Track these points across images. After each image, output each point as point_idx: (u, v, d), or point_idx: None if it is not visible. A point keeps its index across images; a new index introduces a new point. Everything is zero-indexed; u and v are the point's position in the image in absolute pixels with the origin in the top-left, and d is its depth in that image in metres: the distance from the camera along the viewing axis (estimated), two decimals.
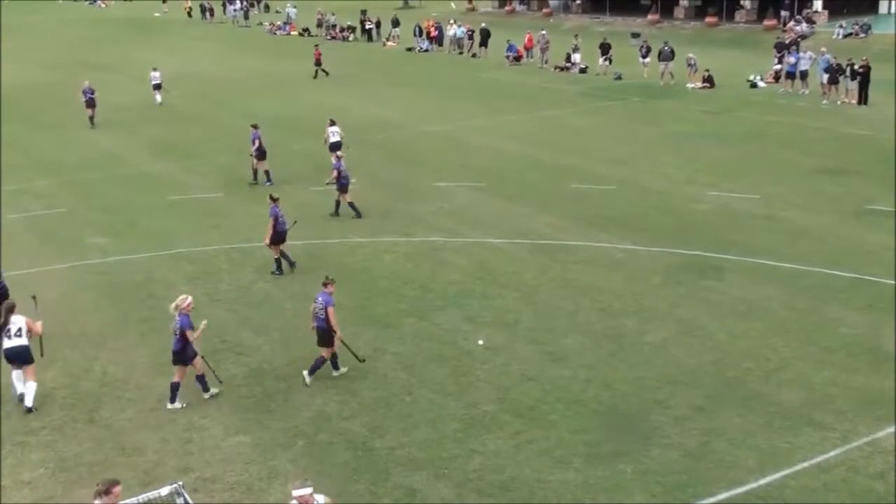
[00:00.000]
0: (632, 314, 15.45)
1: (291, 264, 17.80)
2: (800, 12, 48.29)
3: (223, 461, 11.53)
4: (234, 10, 69.39)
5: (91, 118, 32.08)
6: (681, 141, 28.02)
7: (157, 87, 36.43)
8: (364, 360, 13.75)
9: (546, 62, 43.69)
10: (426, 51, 51.18)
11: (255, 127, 23.97)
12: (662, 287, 16.60)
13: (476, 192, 23.00)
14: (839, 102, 32.68)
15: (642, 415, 12.28)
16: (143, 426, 12.42)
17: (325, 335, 13.22)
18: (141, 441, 12.04)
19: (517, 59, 45.10)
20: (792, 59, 35.68)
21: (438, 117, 32.61)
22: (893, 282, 16.26)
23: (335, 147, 24.14)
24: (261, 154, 23.82)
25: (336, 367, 13.55)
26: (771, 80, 37.36)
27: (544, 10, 61.33)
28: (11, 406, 13.04)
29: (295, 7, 64.04)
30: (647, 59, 39.62)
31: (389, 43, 54.24)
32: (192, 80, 41.98)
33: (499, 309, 15.80)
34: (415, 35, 52.15)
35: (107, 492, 8.42)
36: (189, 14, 73.14)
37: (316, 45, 44.56)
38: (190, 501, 9.03)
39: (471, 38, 49.37)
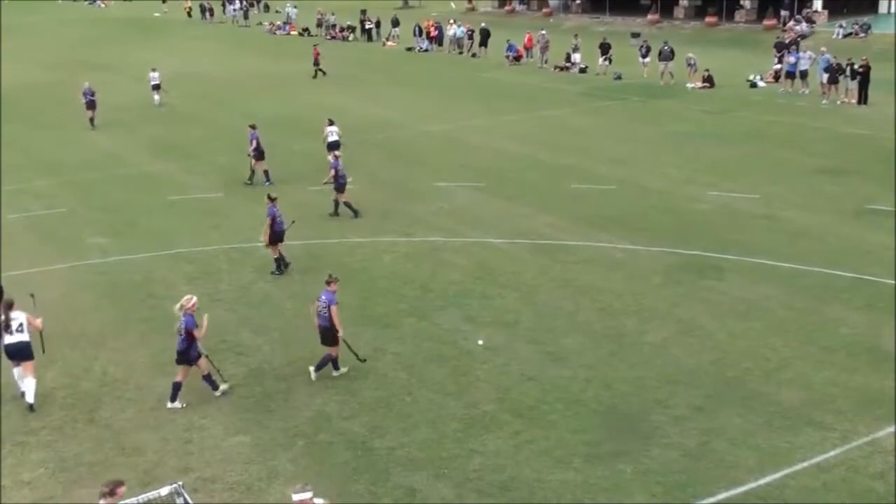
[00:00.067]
0: (632, 314, 15.45)
1: (286, 265, 17.80)
2: (799, 12, 48.29)
3: (223, 461, 11.53)
4: (234, 10, 69.39)
5: (91, 119, 32.05)
6: (681, 141, 28.02)
7: (156, 87, 36.42)
8: (365, 360, 13.75)
9: (546, 62, 43.69)
10: (426, 51, 51.18)
11: (252, 127, 23.99)
12: (662, 287, 16.60)
13: (476, 191, 23.00)
14: (839, 102, 32.68)
15: (642, 415, 12.28)
16: (143, 426, 12.42)
17: (329, 334, 13.26)
18: (141, 441, 12.04)
19: (517, 58, 45.10)
20: (792, 59, 35.68)
21: (438, 117, 32.61)
22: (893, 281, 16.26)
23: (333, 146, 24.18)
24: (259, 154, 23.84)
25: (336, 367, 13.57)
26: (771, 79, 37.36)
27: (544, 10, 61.32)
28: (11, 406, 13.05)
29: (296, 7, 64.05)
30: (647, 59, 39.61)
31: (389, 43, 54.24)
32: (191, 80, 41.98)
33: (499, 309, 15.80)
34: (414, 35, 52.14)
35: (111, 493, 8.53)
36: (189, 14, 73.13)
37: (315, 45, 44.53)
38: (190, 501, 9.03)
39: (471, 37, 49.36)
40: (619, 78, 39.38)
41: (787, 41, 40.68)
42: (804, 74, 34.85)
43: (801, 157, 25.49)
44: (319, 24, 59.92)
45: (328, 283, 13.43)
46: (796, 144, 27.09)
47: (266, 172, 23.95)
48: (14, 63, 47.49)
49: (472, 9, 66.34)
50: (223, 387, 13.11)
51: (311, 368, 13.41)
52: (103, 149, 29.34)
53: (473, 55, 48.40)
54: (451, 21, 52.85)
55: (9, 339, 12.94)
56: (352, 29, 57.86)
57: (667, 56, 37.82)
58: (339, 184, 20.84)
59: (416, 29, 52.21)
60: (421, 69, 45.10)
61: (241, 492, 10.93)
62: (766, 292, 16.16)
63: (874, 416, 12.03)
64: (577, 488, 10.77)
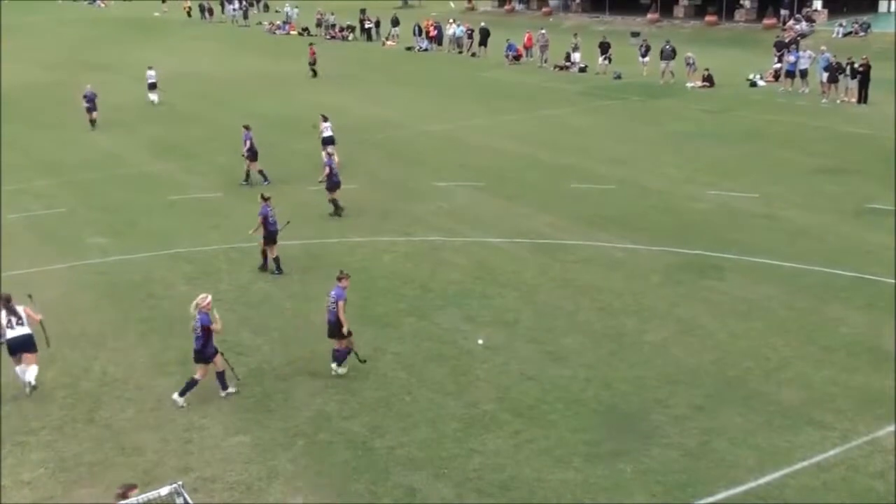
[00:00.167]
0: (631, 313, 15.44)
1: (263, 267, 17.81)
2: (799, 11, 48.30)
3: (223, 461, 11.53)
4: (234, 10, 69.40)
5: (92, 121, 31.96)
6: (680, 140, 28.02)
7: (153, 86, 36.48)
8: (364, 361, 13.75)
9: (545, 61, 43.68)
10: (425, 50, 51.17)
11: (246, 128, 24.01)
12: (662, 286, 16.60)
13: (475, 191, 23.00)
14: (839, 101, 32.67)
15: (642, 414, 12.28)
16: (142, 426, 12.42)
17: (335, 328, 13.32)
18: (141, 441, 12.04)
19: (516, 58, 45.09)
20: (792, 58, 35.68)
21: (438, 117, 32.61)
22: (893, 281, 16.26)
23: (328, 142, 24.27)
24: (252, 155, 23.86)
25: (340, 362, 13.57)
26: (770, 78, 37.35)
27: (544, 10, 61.32)
28: (11, 406, 13.05)
29: (297, 7, 64.07)
30: (647, 59, 39.60)
31: (389, 42, 54.24)
32: (191, 80, 41.98)
33: (498, 308, 15.80)
34: (414, 34, 52.15)
35: (123, 495, 8.72)
36: (188, 14, 73.13)
37: (311, 45, 44.53)
38: (190, 501, 9.02)
39: (470, 37, 49.36)
40: (618, 77, 39.38)
41: (786, 40, 40.69)
42: (804, 73, 34.84)
43: (801, 157, 25.48)
44: (319, 24, 59.93)
45: (339, 278, 13.50)
46: (796, 144, 27.08)
47: (261, 172, 23.95)
48: (14, 63, 47.49)
49: (472, 8, 66.33)
50: (231, 389, 13.12)
51: (333, 365, 13.49)
52: (103, 149, 29.34)
53: (473, 55, 48.40)
54: (451, 20, 52.86)
55: (11, 333, 13.08)
56: (351, 28, 57.87)
57: (668, 55, 37.79)
58: (332, 182, 20.86)
59: (416, 28, 52.22)
60: (420, 69, 45.09)
61: (241, 491, 10.93)
62: (767, 292, 16.15)
63: (874, 416, 12.03)
64: (577, 488, 10.77)
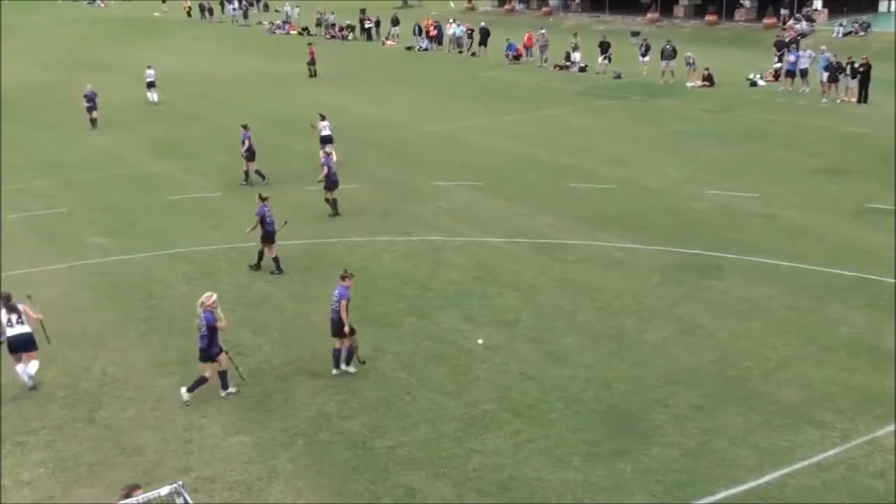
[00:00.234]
0: (631, 313, 15.44)
1: (256, 266, 17.81)
2: (799, 10, 48.30)
3: (223, 461, 11.53)
4: (234, 10, 69.43)
5: (93, 121, 31.93)
6: (680, 140, 28.02)
7: (151, 84, 36.54)
8: (364, 363, 13.75)
9: (545, 61, 43.69)
10: (425, 50, 51.18)
11: (245, 127, 24.01)
12: (662, 286, 16.60)
13: (475, 191, 23.00)
14: (839, 101, 32.67)
15: (642, 414, 12.28)
16: (142, 426, 12.42)
17: (338, 327, 13.35)
18: (141, 441, 12.04)
19: (516, 57, 45.10)
20: (792, 58, 35.67)
21: (438, 116, 32.61)
22: (893, 280, 16.26)
23: (326, 140, 24.32)
24: (250, 154, 23.85)
25: (337, 365, 13.58)
26: (771, 78, 37.35)
27: (544, 9, 61.33)
28: (11, 406, 13.06)
29: (297, 7, 64.09)
30: (647, 58, 39.60)
31: (389, 42, 54.25)
32: (191, 80, 42.01)
33: (498, 308, 15.80)
34: (414, 34, 52.17)
35: (128, 496, 8.77)
36: (188, 13, 73.17)
37: (309, 44, 44.53)
38: (190, 501, 9.02)
39: (470, 36, 49.36)
40: (618, 77, 39.38)
41: (787, 40, 40.68)
42: (804, 73, 34.84)
43: (800, 157, 25.48)
44: (319, 24, 59.94)
45: (342, 277, 13.51)
46: (796, 143, 27.08)
47: (258, 172, 23.96)
48: (14, 63, 47.52)
49: (472, 8, 66.35)
50: (231, 389, 13.12)
51: (343, 366, 13.56)
52: (103, 149, 29.35)
53: (473, 54, 48.40)
54: (451, 20, 52.88)
55: (11, 332, 13.18)
56: (351, 28, 57.89)
57: (669, 55, 37.76)
58: (330, 181, 20.86)
59: (416, 28, 52.24)
60: (420, 68, 45.09)
61: (241, 491, 10.93)
62: (766, 291, 16.15)
63: (874, 415, 12.03)
64: (577, 487, 10.77)
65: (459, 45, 50.09)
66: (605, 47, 40.86)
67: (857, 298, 15.76)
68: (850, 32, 44.87)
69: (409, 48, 51.55)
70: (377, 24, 57.21)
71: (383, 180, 24.31)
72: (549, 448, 11.53)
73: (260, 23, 65.45)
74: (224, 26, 67.30)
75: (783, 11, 48.73)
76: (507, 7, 64.25)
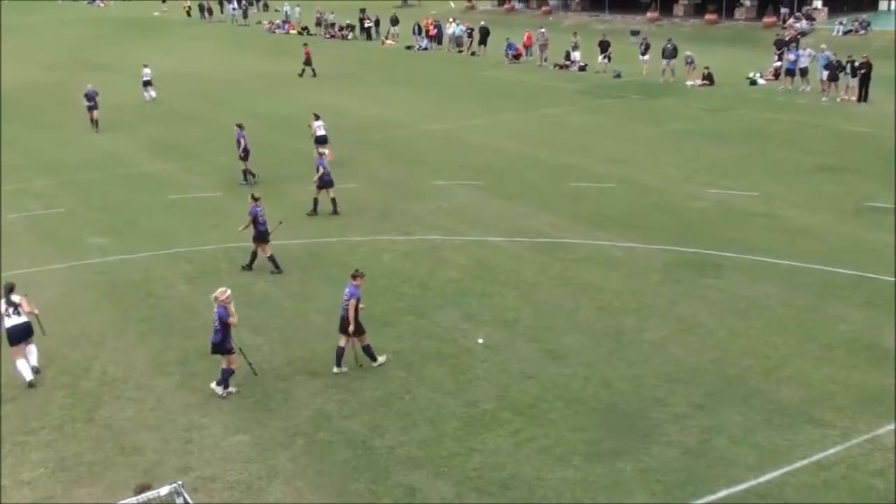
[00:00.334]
0: (631, 312, 15.44)
1: (248, 267, 17.82)
2: (799, 9, 48.30)
3: (223, 460, 11.54)
4: (233, 9, 69.43)
5: (96, 122, 31.84)
6: (680, 139, 28.02)
7: (147, 83, 36.60)
8: (361, 365, 13.74)
9: (545, 60, 43.68)
10: (425, 49, 51.18)
11: (240, 127, 24.00)
12: (661, 285, 16.60)
13: (475, 190, 23.00)
14: (839, 100, 32.66)
15: (642, 413, 12.28)
16: (142, 426, 12.43)
17: (347, 324, 13.38)
18: (141, 440, 12.04)
19: (516, 57, 45.09)
20: (792, 57, 35.68)
21: (437, 116, 32.61)
22: (893, 279, 16.26)
23: (321, 140, 24.37)
24: (244, 154, 23.84)
25: (339, 363, 13.58)
26: (771, 77, 37.35)
27: (543, 8, 61.33)
28: (11, 406, 13.06)
29: (298, 6, 64.12)
30: (647, 57, 39.58)
31: (388, 41, 54.25)
32: (191, 80, 42.03)
33: (498, 307, 15.80)
34: (414, 33, 52.18)
35: (141, 493, 8.87)
36: (188, 13, 73.18)
37: (305, 45, 44.52)
38: (190, 501, 9.03)
39: (470, 36, 49.35)
40: (618, 76, 39.37)
41: (786, 38, 40.68)
42: (804, 72, 34.83)
43: (800, 155, 25.47)
44: (319, 23, 59.95)
45: (353, 277, 13.54)
46: (796, 142, 27.07)
47: (249, 171, 23.98)
48: (14, 63, 47.53)
49: (472, 7, 66.35)
50: (231, 389, 13.12)
51: (373, 363, 13.65)
52: (103, 149, 29.35)
53: (473, 53, 48.40)
54: (451, 19, 52.88)
55: (9, 322, 13.44)
56: (351, 27, 57.90)
57: (670, 54, 37.73)
58: (324, 181, 20.86)
59: (416, 27, 52.26)
60: (420, 68, 45.09)
61: (241, 491, 10.94)
62: (766, 290, 16.15)
63: (874, 414, 12.03)
64: (576, 486, 10.77)
65: (459, 45, 50.09)
66: (604, 46, 40.86)
67: (856, 297, 15.77)
68: (850, 31, 44.85)
69: (408, 47, 51.55)
70: (377, 23, 57.21)
71: (383, 180, 24.31)
72: (548, 447, 11.54)
73: (259, 22, 65.45)
74: (224, 26, 67.30)
75: (783, 10, 48.72)
76: (506, 6, 64.25)
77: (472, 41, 48.99)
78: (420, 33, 51.92)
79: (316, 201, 21.14)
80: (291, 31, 60.76)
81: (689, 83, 36.89)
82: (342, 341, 13.56)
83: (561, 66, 42.60)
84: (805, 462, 11.06)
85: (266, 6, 76.47)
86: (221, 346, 12.87)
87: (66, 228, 21.14)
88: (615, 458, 11.25)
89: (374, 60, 48.06)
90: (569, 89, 37.43)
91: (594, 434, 11.81)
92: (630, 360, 13.75)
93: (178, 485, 9.07)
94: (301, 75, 42.24)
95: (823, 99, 32.97)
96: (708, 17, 51.99)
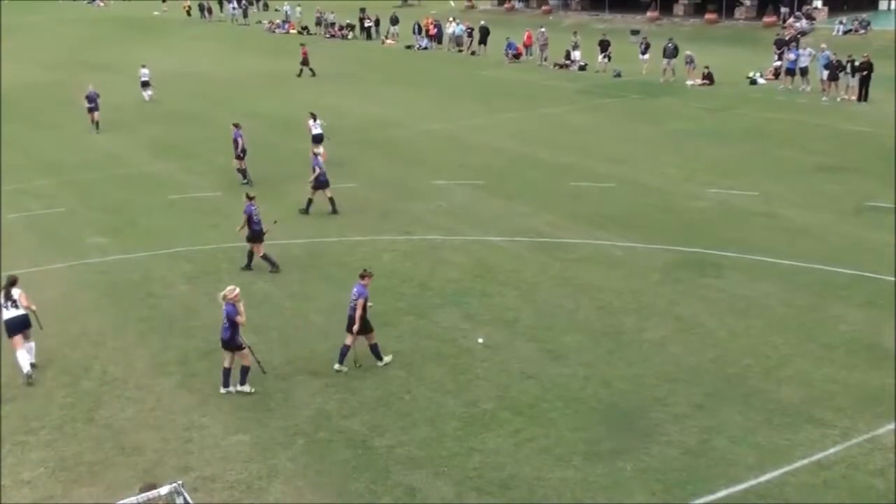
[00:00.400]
0: (631, 312, 15.44)
1: (247, 267, 17.82)
2: (799, 9, 48.30)
3: (223, 460, 11.53)
4: (233, 9, 69.45)
5: (96, 123, 31.79)
6: (680, 138, 28.01)
7: (146, 84, 36.63)
8: (360, 366, 13.74)
9: (545, 60, 43.69)
10: (425, 49, 51.18)
11: (236, 126, 23.99)
12: (661, 285, 16.59)
13: (475, 190, 22.99)
14: (839, 99, 32.66)
15: (642, 412, 12.28)
16: (142, 425, 12.42)
17: (364, 323, 13.41)
18: (141, 440, 12.04)
19: (516, 56, 45.10)
20: (792, 56, 35.68)
21: (437, 115, 32.61)
22: (893, 278, 16.26)
23: (317, 139, 24.43)
24: (243, 153, 23.82)
25: (342, 360, 13.60)
26: (771, 76, 37.35)
27: (543, 8, 61.34)
28: (11, 406, 13.06)
29: (299, 6, 64.15)
30: (647, 56, 39.58)
31: (388, 41, 54.26)
32: (191, 80, 42.03)
33: (498, 307, 15.80)
34: (414, 33, 52.19)
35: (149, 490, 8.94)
36: (188, 13, 73.19)
37: (302, 44, 44.50)
38: (190, 500, 9.03)
39: (470, 35, 49.36)
40: (618, 75, 39.37)
41: (786, 38, 40.69)
42: (804, 71, 34.83)
43: (800, 155, 25.47)
44: (319, 23, 59.96)
45: (361, 276, 13.55)
46: (796, 142, 27.07)
47: (240, 170, 23.96)
48: (14, 63, 47.52)
49: (472, 6, 66.35)
50: (231, 388, 13.13)
51: (381, 361, 13.66)
52: (103, 149, 29.34)
53: (473, 53, 48.40)
54: (451, 19, 52.89)
55: (7, 315, 13.67)
56: (351, 27, 57.91)
57: (671, 53, 37.72)
58: (319, 182, 20.86)
59: (416, 27, 52.27)
60: (420, 67, 45.09)
61: (242, 490, 10.94)
62: (766, 290, 16.15)
63: (874, 413, 12.02)
64: (576, 486, 10.77)
65: (459, 44, 50.09)
66: (604, 46, 40.85)
67: (856, 296, 15.76)
68: (850, 30, 44.85)
69: (408, 47, 51.55)
70: (377, 23, 57.23)
71: (383, 179, 24.30)
72: (548, 447, 11.53)
73: (259, 22, 65.45)
74: (224, 25, 67.31)
75: (783, 9, 48.72)
76: (506, 6, 64.24)
77: (472, 41, 49.00)
78: (420, 33, 51.93)
79: (310, 201, 21.13)
80: (291, 31, 60.77)
81: (689, 83, 36.89)
82: (348, 339, 13.57)
83: (561, 66, 42.60)
84: (805, 462, 11.06)
85: (266, 6, 76.48)
86: (232, 342, 12.91)
87: (66, 228, 21.14)
88: (615, 458, 11.25)
89: (374, 60, 48.06)
90: (569, 89, 37.43)
91: (594, 434, 11.81)
92: (630, 360, 13.75)
93: (179, 484, 9.07)
94: (300, 75, 42.23)
95: (823, 98, 32.97)
96: (708, 16, 52.00)
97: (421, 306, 15.94)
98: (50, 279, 17.53)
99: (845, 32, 44.70)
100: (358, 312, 13.29)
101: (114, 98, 35.80)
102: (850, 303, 15.53)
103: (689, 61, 37.15)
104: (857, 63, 32.38)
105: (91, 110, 31.78)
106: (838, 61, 33.09)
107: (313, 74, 42.23)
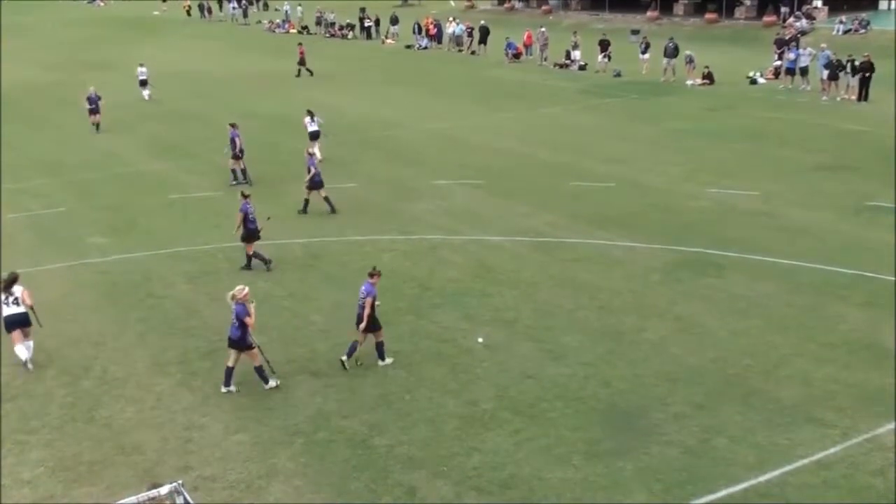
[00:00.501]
0: (631, 312, 15.44)
1: (247, 266, 17.82)
2: (799, 8, 48.28)
3: (223, 459, 11.53)
4: (233, 9, 69.46)
5: (97, 125, 31.74)
6: (680, 138, 28.01)
7: (144, 83, 36.66)
8: (361, 364, 13.74)
9: (545, 59, 43.70)
10: (425, 48, 51.18)
11: (233, 126, 23.98)
12: (661, 284, 16.59)
13: (475, 190, 22.99)
14: (839, 99, 32.66)
15: (641, 412, 12.28)
16: (142, 425, 12.42)
17: (372, 321, 13.42)
18: (141, 440, 12.04)
19: (516, 56, 45.10)
20: (792, 56, 35.69)
21: (437, 115, 32.61)
22: (893, 278, 16.25)
23: (313, 136, 24.46)
24: (240, 153, 23.82)
25: (350, 354, 13.64)
26: (771, 76, 37.36)
27: (543, 8, 61.31)
28: (11, 405, 13.06)
29: (300, 5, 64.17)
30: (647, 56, 39.57)
31: (388, 41, 54.25)
32: (191, 79, 42.02)
33: (497, 307, 15.80)
34: (414, 33, 52.19)
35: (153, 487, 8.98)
36: (188, 12, 73.19)
37: (299, 44, 44.53)
38: (190, 500, 9.02)
39: (470, 35, 49.36)
40: (618, 75, 39.37)
41: (786, 38, 40.68)
42: (804, 71, 34.83)
43: (800, 154, 25.47)
44: (319, 22, 59.97)
45: (370, 275, 13.59)
46: (796, 141, 27.07)
47: (234, 171, 24.01)
48: (14, 63, 47.49)
49: (472, 6, 66.33)
50: (272, 382, 13.16)
51: (381, 361, 13.69)
52: (103, 148, 29.34)
53: (473, 53, 48.41)
54: (451, 19, 52.89)
55: (7, 311, 13.82)
56: (351, 27, 57.92)
57: (671, 53, 37.71)
58: (314, 182, 20.86)
59: (416, 27, 52.27)
60: (420, 67, 45.09)
61: (241, 490, 10.93)
62: (766, 289, 16.15)
63: (874, 413, 12.02)
64: (576, 486, 10.77)
65: (459, 44, 50.09)
66: (604, 45, 40.84)
67: (856, 296, 15.76)
68: (850, 30, 44.83)
69: (408, 47, 51.55)
70: (377, 22, 57.24)
71: (383, 179, 24.30)
72: (548, 446, 11.53)
73: (259, 22, 65.44)
74: (223, 25, 67.31)
75: (783, 9, 48.71)
76: (506, 5, 64.22)
77: (472, 40, 49.00)
78: (420, 32, 51.93)
79: (306, 201, 21.14)
80: (291, 31, 60.76)
81: (689, 82, 36.90)
82: (359, 336, 13.59)
83: (561, 66, 42.60)
84: (805, 461, 11.05)
85: (266, 5, 76.48)
86: (242, 341, 12.90)
87: (66, 228, 21.14)
88: (615, 458, 11.24)
89: (373, 60, 48.06)
90: (569, 88, 37.42)
91: (594, 433, 11.81)
92: (630, 360, 13.75)
93: (179, 484, 9.07)
94: (298, 75, 42.22)
95: (823, 98, 32.97)
96: (708, 16, 51.99)
97: (421, 306, 15.94)
98: (50, 279, 17.52)
99: (845, 32, 44.68)
100: (366, 311, 13.31)
101: (113, 97, 35.73)
102: (850, 303, 15.52)
103: (690, 61, 37.15)
104: (857, 63, 32.37)
105: (92, 112, 31.77)
106: (838, 61, 33.09)
107: (311, 74, 42.23)
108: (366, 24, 57.49)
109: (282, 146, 27.70)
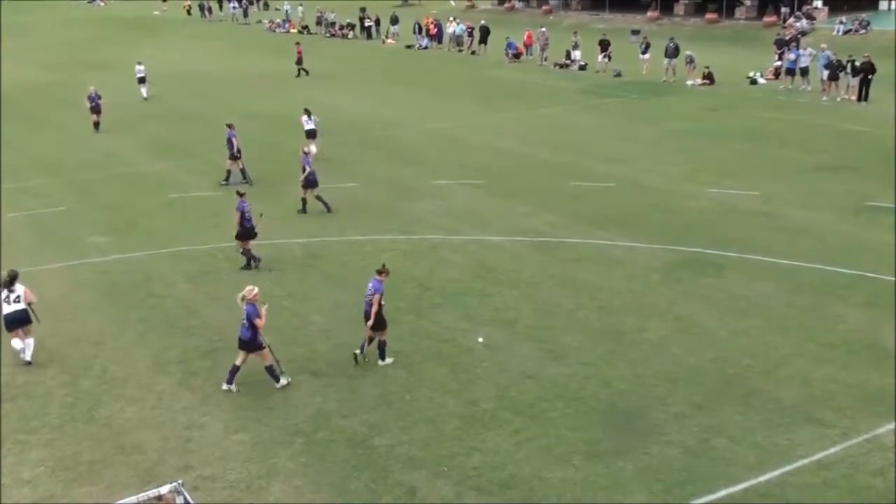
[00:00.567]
0: (631, 312, 15.44)
1: (247, 266, 17.82)
2: (800, 9, 48.29)
3: (223, 459, 11.53)
4: (233, 8, 69.46)
5: (96, 124, 31.75)
6: (680, 138, 28.01)
7: (142, 80, 36.69)
8: (367, 360, 13.75)
9: (545, 59, 43.70)
10: (425, 48, 51.19)
11: (230, 126, 23.97)
12: (661, 284, 16.59)
13: (475, 189, 22.99)
14: (839, 99, 32.67)
15: (642, 412, 12.28)
16: (142, 425, 12.42)
17: (378, 319, 13.41)
18: (141, 440, 12.04)
19: (516, 56, 45.10)
20: (792, 56, 35.70)
21: (437, 115, 32.61)
22: (893, 278, 16.26)
23: (310, 135, 24.47)
24: (238, 153, 23.82)
25: (362, 350, 13.69)
26: (771, 76, 37.37)
27: (544, 8, 61.32)
28: (11, 405, 13.06)
29: (301, 5, 64.18)
30: (647, 56, 39.57)
31: (388, 40, 54.25)
32: (191, 79, 42.01)
33: (498, 307, 15.80)
34: (414, 32, 52.19)
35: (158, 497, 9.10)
36: (188, 12, 73.20)
37: (297, 43, 44.51)
38: (190, 500, 9.04)
39: (470, 35, 49.37)
40: (618, 75, 39.38)
41: (787, 38, 40.68)
42: (805, 71, 34.84)
43: (801, 155, 25.48)
44: (319, 22, 59.98)
45: (378, 272, 13.58)
46: (796, 141, 27.08)
47: (229, 172, 23.97)
48: (14, 63, 47.49)
49: (472, 6, 66.33)
50: (283, 381, 13.16)
51: (381, 361, 13.70)
52: (103, 148, 29.34)
53: (473, 53, 48.41)
54: (451, 18, 52.89)
55: (7, 309, 13.91)
56: (351, 27, 57.93)
57: (672, 53, 37.71)
58: (309, 181, 20.87)
59: (416, 26, 52.28)
60: (420, 67, 45.09)
61: (241, 490, 10.93)
62: (766, 289, 16.15)
63: (874, 413, 12.03)
64: (576, 486, 10.77)
65: (459, 44, 50.09)
66: (605, 45, 40.85)
67: (856, 296, 15.77)
68: (850, 30, 44.83)
69: (409, 47, 51.55)
70: (377, 22, 57.24)
71: (383, 179, 24.30)
72: (548, 446, 11.53)
73: (260, 21, 65.44)
74: (224, 25, 67.31)
75: (783, 9, 48.72)
76: (507, 5, 64.23)
77: (472, 40, 49.01)
78: (420, 32, 51.93)
79: (304, 201, 21.15)
80: (292, 31, 60.76)
81: (689, 82, 36.90)
82: (368, 332, 13.61)
83: (561, 66, 42.61)
84: (805, 461, 11.06)
85: (266, 5, 76.48)
86: (253, 342, 12.90)
87: (66, 227, 21.13)
88: (615, 458, 11.25)
89: (374, 60, 48.05)
90: (569, 88, 37.43)
91: (594, 433, 11.81)
92: (630, 360, 13.75)
93: (179, 484, 9.08)
94: (298, 76, 42.22)
95: (824, 98, 32.97)
96: (708, 16, 52.01)
97: (421, 306, 15.94)
98: (50, 278, 17.51)
99: (845, 32, 44.69)
100: (374, 308, 13.33)
101: (113, 97, 35.73)
102: (850, 303, 15.53)
103: (690, 61, 37.15)
104: (857, 63, 32.37)
105: (93, 111, 31.77)
106: (839, 61, 33.09)
107: (307, 73, 42.20)
108: (366, 24, 57.49)
109: (282, 146, 27.69)
